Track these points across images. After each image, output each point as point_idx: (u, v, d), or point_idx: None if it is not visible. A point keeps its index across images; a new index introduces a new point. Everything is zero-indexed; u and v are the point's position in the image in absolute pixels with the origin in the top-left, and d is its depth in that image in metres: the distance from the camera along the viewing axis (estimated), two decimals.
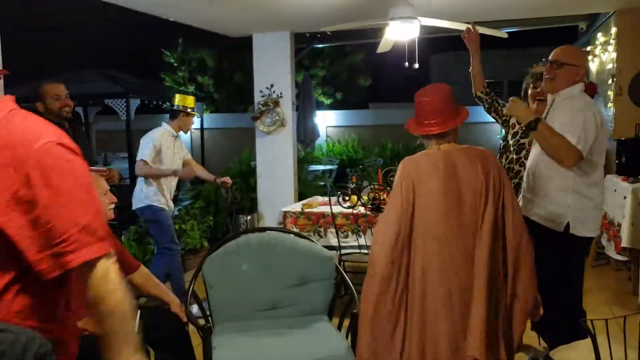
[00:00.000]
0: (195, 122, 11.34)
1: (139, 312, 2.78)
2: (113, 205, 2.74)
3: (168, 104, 10.88)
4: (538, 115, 2.91)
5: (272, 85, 6.50)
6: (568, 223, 2.84)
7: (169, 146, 4.56)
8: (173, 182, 4.69)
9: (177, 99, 4.64)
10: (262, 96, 6.53)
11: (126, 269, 2.97)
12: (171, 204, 4.72)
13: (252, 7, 5.29)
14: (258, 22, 5.97)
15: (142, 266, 3.06)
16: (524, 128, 3.09)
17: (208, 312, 3.09)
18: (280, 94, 6.47)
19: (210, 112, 11.08)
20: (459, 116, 2.46)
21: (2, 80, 3.21)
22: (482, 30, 4.38)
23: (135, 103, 9.28)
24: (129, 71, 9.86)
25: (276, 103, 6.47)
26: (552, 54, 2.99)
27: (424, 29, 4.45)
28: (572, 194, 2.85)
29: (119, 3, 4.95)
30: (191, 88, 11.34)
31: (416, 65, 4.50)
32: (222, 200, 6.81)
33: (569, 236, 2.85)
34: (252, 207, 6.77)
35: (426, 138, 2.54)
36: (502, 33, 4.57)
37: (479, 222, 2.32)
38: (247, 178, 6.93)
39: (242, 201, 6.80)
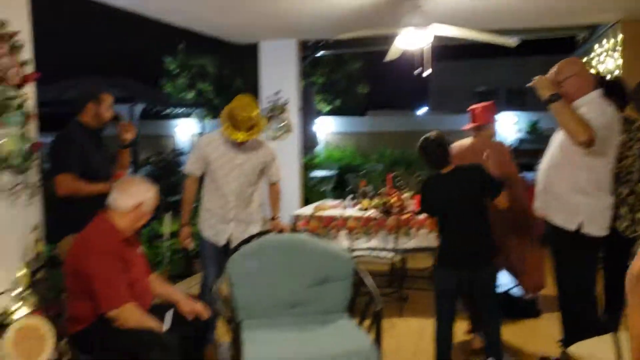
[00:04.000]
0: (196, 128, 11.48)
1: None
2: None
3: (172, 108, 11.01)
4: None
5: (278, 92, 6.61)
6: (581, 222, 2.97)
7: None
8: None
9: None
10: (269, 102, 6.64)
11: None
12: None
13: (262, 15, 5.40)
14: (266, 29, 6.09)
15: (153, 275, 3.16)
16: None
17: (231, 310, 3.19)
18: (287, 100, 6.59)
19: (212, 117, 11.17)
20: None
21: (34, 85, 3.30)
22: (491, 38, 4.53)
23: (139, 108, 9.39)
24: (132, 77, 9.96)
25: (282, 109, 6.59)
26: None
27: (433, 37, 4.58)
28: (582, 195, 2.98)
29: (129, 9, 5.02)
30: (191, 95, 11.44)
31: (429, 71, 4.63)
32: None
33: (581, 236, 2.98)
34: None
35: None
36: (511, 42, 4.71)
37: None
38: None
39: None
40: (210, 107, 11.32)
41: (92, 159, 3.48)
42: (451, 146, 3.58)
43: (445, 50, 7.49)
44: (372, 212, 4.74)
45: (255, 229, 3.79)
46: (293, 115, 6.64)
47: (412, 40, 4.45)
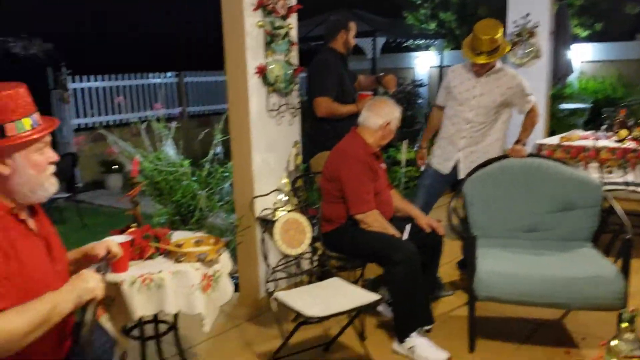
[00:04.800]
0: (435, 60, 11.42)
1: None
2: None
3: (412, 40, 11.12)
4: None
5: (527, 15, 6.19)
6: None
7: None
8: None
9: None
10: (516, 26, 6.27)
11: None
12: None
13: None
14: None
15: (394, 190, 3.39)
16: None
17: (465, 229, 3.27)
18: (536, 23, 6.14)
19: (451, 49, 10.97)
20: None
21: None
22: None
23: (381, 41, 9.70)
24: (374, 10, 10.26)
25: (531, 33, 6.16)
26: None
27: None
28: None
29: None
30: (432, 25, 11.34)
31: None
32: None
33: None
34: None
35: None
36: None
37: None
38: None
39: None
40: (451, 37, 11.10)
41: (343, 82, 3.86)
42: None
43: None
44: (630, 144, 4.26)
45: None
46: (543, 40, 6.16)
47: None
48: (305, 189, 3.74)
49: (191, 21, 12.35)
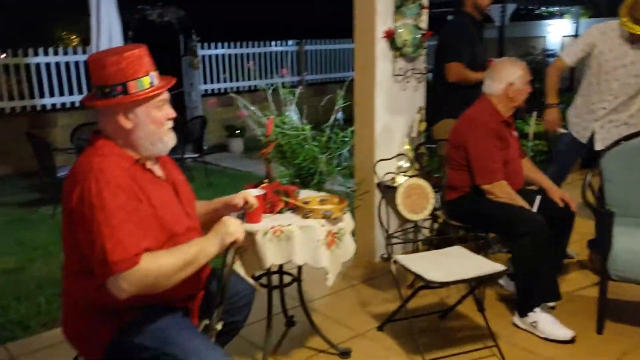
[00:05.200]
0: (569, 29, 10.65)
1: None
2: None
3: (544, 8, 10.44)
4: None
5: None
6: None
7: None
8: None
9: None
10: None
11: None
12: None
13: None
14: None
15: (527, 158, 3.24)
16: None
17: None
18: None
19: (589, 17, 10.16)
20: None
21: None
22: None
23: (510, 8, 9.20)
24: None
25: None
26: None
27: None
28: None
29: None
30: None
31: None
32: None
33: None
34: None
35: None
36: None
37: None
38: None
39: None
40: (590, 4, 10.26)
41: (476, 48, 3.73)
42: None
43: None
44: None
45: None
46: None
47: None
48: (428, 156, 3.69)
49: None
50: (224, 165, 7.51)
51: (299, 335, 2.82)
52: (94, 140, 1.69)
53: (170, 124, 1.75)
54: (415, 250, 3.59)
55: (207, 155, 7.72)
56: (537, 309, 2.77)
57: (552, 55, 9.47)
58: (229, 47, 9.21)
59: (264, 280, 2.65)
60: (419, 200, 2.86)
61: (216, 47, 9.06)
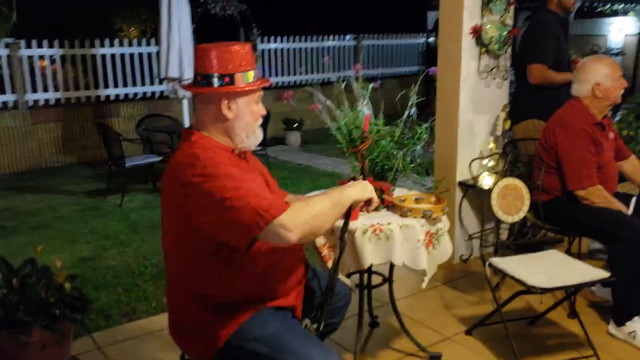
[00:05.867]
0: (633, 27, 10.23)
1: None
2: None
3: (608, 5, 10.05)
4: None
5: None
6: None
7: None
8: None
9: None
10: None
11: (618, 156, 3.05)
12: None
13: None
14: None
15: (632, 156, 3.10)
16: None
17: None
18: None
19: None
20: None
21: None
22: None
23: (575, 6, 8.88)
24: None
25: None
26: None
27: None
28: None
29: None
30: None
31: None
32: None
33: None
34: None
35: None
36: None
37: None
38: None
39: None
40: None
41: (560, 48, 3.59)
42: None
43: None
44: None
45: None
46: None
47: None
48: (514, 154, 3.58)
49: None
50: (282, 158, 7.53)
51: (385, 336, 2.78)
52: (189, 135, 1.70)
53: (261, 120, 1.77)
54: (495, 252, 3.49)
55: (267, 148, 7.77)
56: (635, 318, 2.65)
57: (617, 54, 9.13)
58: (288, 41, 9.22)
59: (354, 279, 2.62)
60: (514, 201, 2.77)
61: (275, 41, 9.08)
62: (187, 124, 6.25)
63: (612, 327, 2.74)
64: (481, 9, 3.38)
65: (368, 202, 1.74)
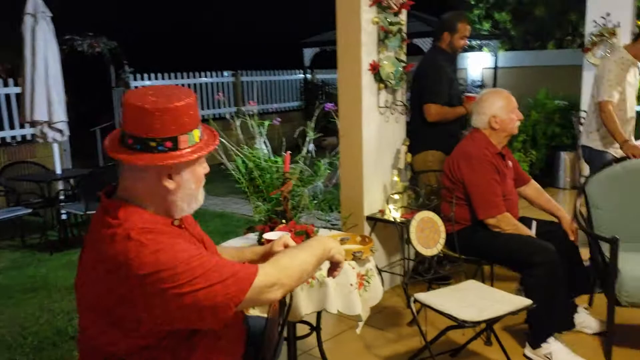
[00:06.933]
0: (489, 61, 11.24)
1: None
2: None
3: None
4: None
5: (607, 15, 6.03)
6: None
7: None
8: None
9: None
10: (595, 26, 6.12)
11: (519, 181, 3.22)
12: None
13: None
14: None
15: (532, 181, 3.28)
16: None
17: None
18: (618, 23, 5.98)
19: (506, 49, 10.80)
20: None
21: None
22: None
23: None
24: (428, 11, 10.14)
25: (612, 33, 6.01)
26: None
27: None
28: None
29: None
30: (486, 25, 11.18)
31: None
32: (540, 136, 6.76)
33: None
34: (573, 143, 6.54)
35: None
36: None
37: None
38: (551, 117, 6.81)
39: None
40: (506, 38, 10.92)
41: (452, 85, 3.78)
42: None
43: None
44: None
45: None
46: (625, 40, 5.99)
47: None
48: (415, 185, 3.65)
49: (247, 22, 12.39)
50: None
51: None
52: (113, 209, 1.35)
53: (204, 180, 1.49)
54: (404, 284, 3.50)
55: None
56: (550, 339, 2.75)
57: (479, 87, 9.91)
58: (163, 78, 8.86)
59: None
60: (431, 234, 2.78)
61: (149, 79, 8.68)
62: (58, 169, 5.68)
63: (528, 351, 2.82)
64: (377, 45, 3.44)
65: (336, 265, 1.62)
